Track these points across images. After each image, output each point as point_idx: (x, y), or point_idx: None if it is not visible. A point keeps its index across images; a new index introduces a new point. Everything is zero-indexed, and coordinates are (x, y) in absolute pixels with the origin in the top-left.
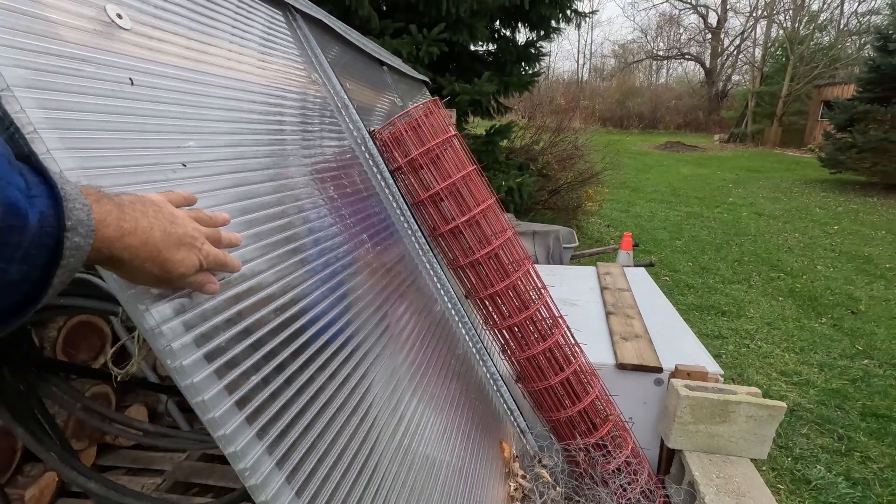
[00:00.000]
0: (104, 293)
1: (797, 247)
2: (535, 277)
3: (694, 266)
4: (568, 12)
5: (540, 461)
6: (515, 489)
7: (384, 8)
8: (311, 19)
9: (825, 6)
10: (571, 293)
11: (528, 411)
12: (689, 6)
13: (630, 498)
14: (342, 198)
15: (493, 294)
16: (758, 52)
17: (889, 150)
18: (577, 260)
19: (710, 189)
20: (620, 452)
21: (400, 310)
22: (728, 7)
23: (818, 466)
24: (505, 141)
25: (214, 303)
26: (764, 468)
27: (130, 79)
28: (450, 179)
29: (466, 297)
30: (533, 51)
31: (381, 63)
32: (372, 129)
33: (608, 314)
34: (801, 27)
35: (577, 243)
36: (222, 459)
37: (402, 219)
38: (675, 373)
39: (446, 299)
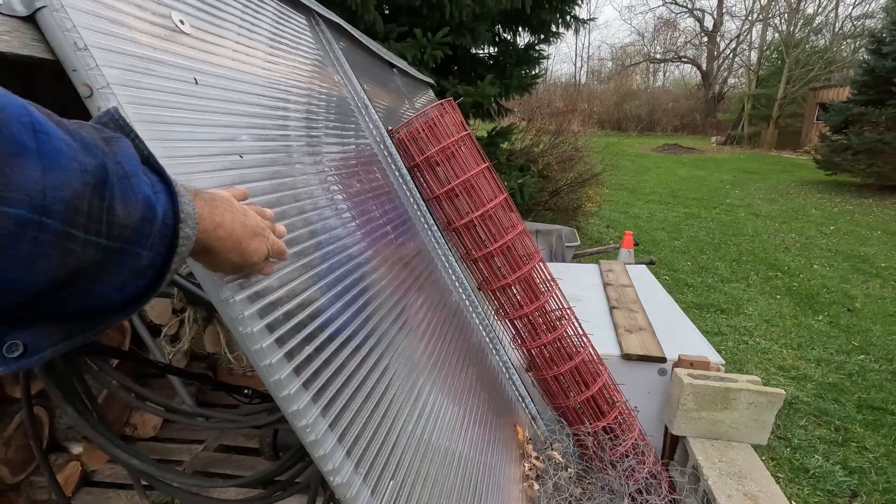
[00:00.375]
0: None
1: (794, 246)
2: (544, 270)
3: (693, 265)
4: (567, 18)
5: (551, 445)
6: (530, 469)
7: (387, 12)
8: (331, 23)
9: (820, 10)
10: (575, 289)
11: (539, 399)
12: (685, 10)
13: (637, 479)
14: (364, 193)
15: (504, 285)
16: (754, 56)
17: (884, 152)
18: (578, 258)
19: (708, 190)
20: (627, 437)
21: (418, 302)
22: (724, 11)
23: (816, 456)
24: (506, 143)
25: (278, 284)
26: (764, 457)
27: (195, 78)
28: (464, 175)
29: (479, 289)
30: (533, 54)
31: (391, 65)
32: (390, 127)
33: (612, 308)
34: (797, 30)
35: (579, 242)
36: (238, 450)
37: (418, 213)
38: (679, 363)
39: (461, 291)
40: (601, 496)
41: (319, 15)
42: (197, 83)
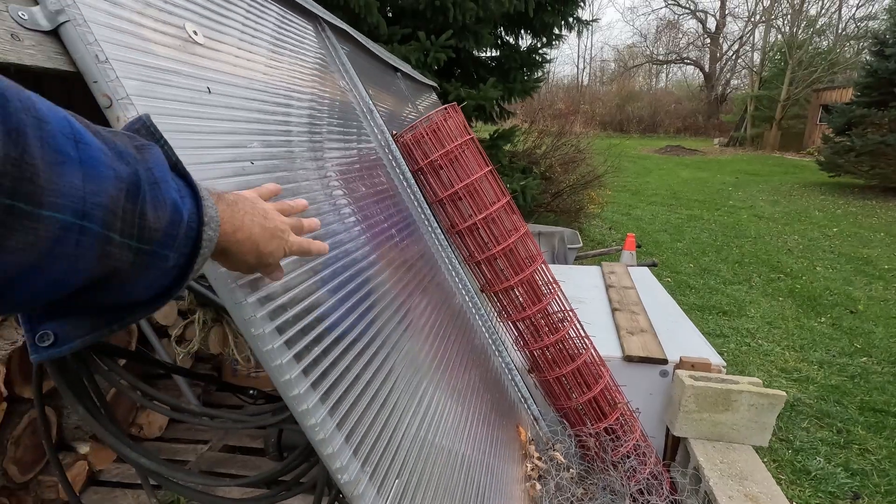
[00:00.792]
0: None
1: (797, 248)
2: (546, 273)
3: (695, 267)
4: (570, 20)
5: (553, 446)
6: (532, 469)
7: (390, 14)
8: (336, 29)
9: (823, 11)
10: (578, 291)
11: (541, 400)
12: (687, 11)
13: (639, 479)
14: (369, 197)
15: (507, 288)
16: (756, 57)
17: (887, 154)
18: (581, 260)
19: (710, 192)
20: (629, 438)
21: (422, 304)
22: (727, 12)
23: (818, 458)
24: (508, 145)
25: (286, 288)
26: (765, 459)
27: (208, 87)
28: (468, 179)
29: (482, 291)
30: (536, 57)
31: (395, 69)
32: (394, 132)
33: (614, 310)
34: (800, 32)
35: (581, 244)
36: (243, 450)
37: (422, 216)
38: (680, 364)
39: (464, 293)
40: (603, 497)
41: (325, 21)
42: (210, 92)
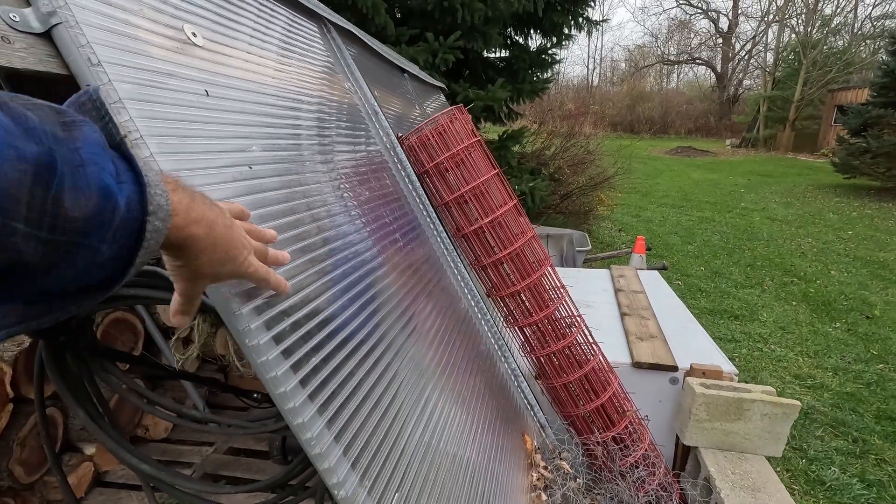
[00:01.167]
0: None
1: (810, 252)
2: (554, 277)
3: (706, 270)
4: (580, 20)
5: (560, 454)
6: (538, 479)
7: (398, 15)
8: (342, 30)
9: (838, 10)
10: (586, 295)
11: (548, 407)
12: (699, 11)
13: (648, 490)
14: (374, 200)
15: (514, 293)
16: (770, 57)
17: None
18: (589, 263)
19: (722, 194)
20: (638, 447)
21: (427, 308)
22: (739, 12)
23: (833, 468)
24: (517, 146)
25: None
26: (778, 469)
27: (206, 90)
28: (474, 182)
29: (488, 296)
30: (545, 57)
31: (402, 70)
32: (399, 134)
33: (623, 315)
34: (814, 31)
35: (590, 247)
36: (248, 453)
37: (427, 220)
38: (691, 371)
39: (470, 297)
40: None
41: (330, 22)
42: (208, 95)
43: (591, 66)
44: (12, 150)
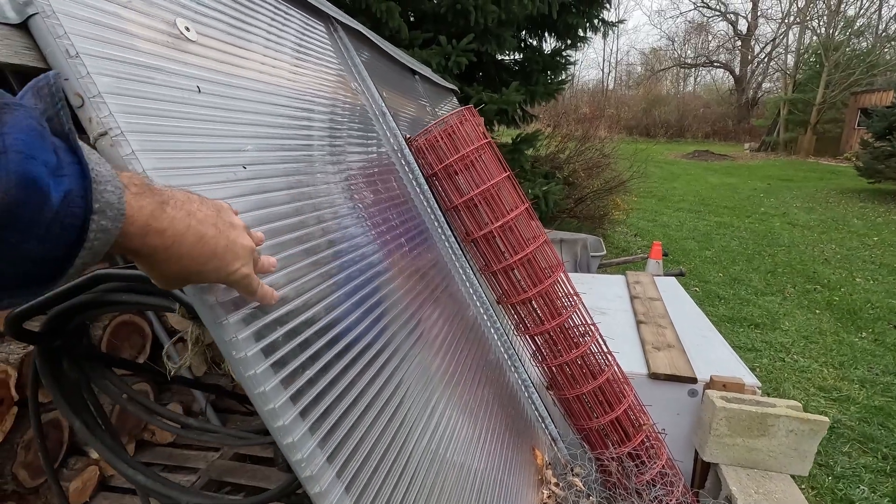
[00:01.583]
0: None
1: (834, 258)
2: (567, 284)
3: (725, 277)
4: (595, 21)
5: (572, 470)
6: (549, 496)
7: (412, 19)
8: (350, 29)
9: (862, 11)
10: (600, 301)
11: (560, 419)
12: (717, 13)
13: None
14: (380, 203)
15: (525, 300)
16: (790, 59)
17: None
18: (604, 269)
19: (740, 198)
20: (655, 463)
21: (434, 315)
22: (759, 14)
23: (861, 486)
24: (531, 149)
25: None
26: (803, 486)
27: (198, 86)
28: (484, 185)
29: (498, 303)
30: (559, 59)
31: (413, 72)
32: (407, 136)
33: (639, 323)
34: (837, 33)
35: (605, 252)
36: (254, 459)
37: (435, 224)
38: (711, 384)
39: (478, 304)
40: None
41: (338, 21)
42: (200, 91)
43: (606, 70)
44: None
